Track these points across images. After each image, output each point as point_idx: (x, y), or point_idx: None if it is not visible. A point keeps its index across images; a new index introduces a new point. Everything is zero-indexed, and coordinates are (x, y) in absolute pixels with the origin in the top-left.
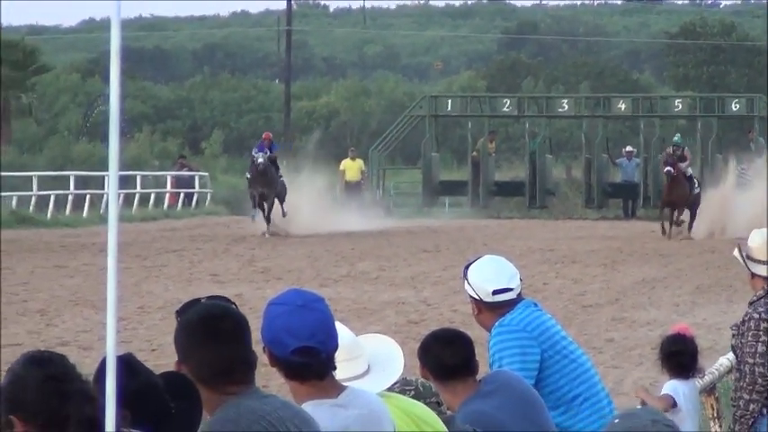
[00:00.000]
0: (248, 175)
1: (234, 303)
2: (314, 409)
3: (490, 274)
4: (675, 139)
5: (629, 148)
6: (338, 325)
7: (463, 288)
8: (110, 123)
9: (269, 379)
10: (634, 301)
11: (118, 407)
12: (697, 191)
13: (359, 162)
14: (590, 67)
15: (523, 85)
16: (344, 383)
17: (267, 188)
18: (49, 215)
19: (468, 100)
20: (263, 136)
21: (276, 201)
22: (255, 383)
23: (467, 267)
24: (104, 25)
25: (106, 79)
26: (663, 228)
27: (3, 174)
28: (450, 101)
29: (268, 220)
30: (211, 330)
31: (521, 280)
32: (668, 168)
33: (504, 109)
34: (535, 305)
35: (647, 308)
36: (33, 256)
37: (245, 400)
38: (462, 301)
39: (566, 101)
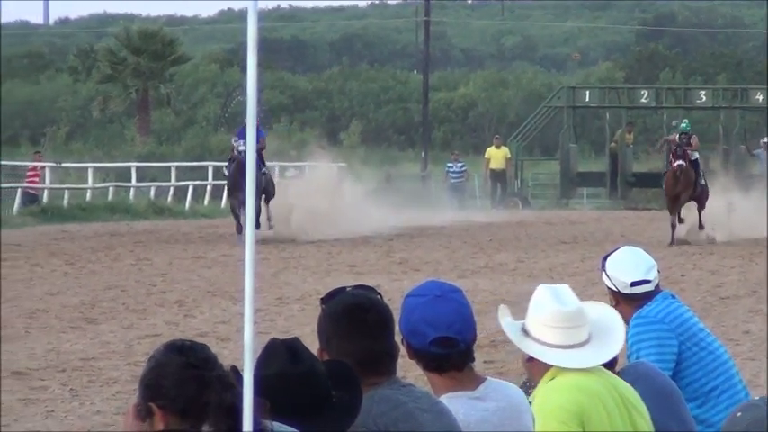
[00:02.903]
0: (225, 172)
1: (379, 294)
2: (451, 401)
3: (628, 266)
4: (683, 125)
5: (766, 140)
6: (565, 288)
7: (601, 280)
8: (247, 114)
9: (407, 370)
10: None
11: (255, 401)
12: (703, 183)
13: (504, 150)
14: (728, 58)
15: (661, 76)
16: (564, 350)
17: None
18: (187, 206)
19: (606, 91)
20: None
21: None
22: (396, 374)
23: (605, 259)
24: (242, 16)
25: (244, 70)
26: (673, 226)
27: (141, 164)
28: (588, 92)
29: (257, 224)
30: (356, 321)
31: (658, 271)
32: (680, 162)
33: (642, 100)
34: (673, 297)
35: None
36: (171, 246)
37: (383, 390)
38: (600, 293)
39: (703, 92)
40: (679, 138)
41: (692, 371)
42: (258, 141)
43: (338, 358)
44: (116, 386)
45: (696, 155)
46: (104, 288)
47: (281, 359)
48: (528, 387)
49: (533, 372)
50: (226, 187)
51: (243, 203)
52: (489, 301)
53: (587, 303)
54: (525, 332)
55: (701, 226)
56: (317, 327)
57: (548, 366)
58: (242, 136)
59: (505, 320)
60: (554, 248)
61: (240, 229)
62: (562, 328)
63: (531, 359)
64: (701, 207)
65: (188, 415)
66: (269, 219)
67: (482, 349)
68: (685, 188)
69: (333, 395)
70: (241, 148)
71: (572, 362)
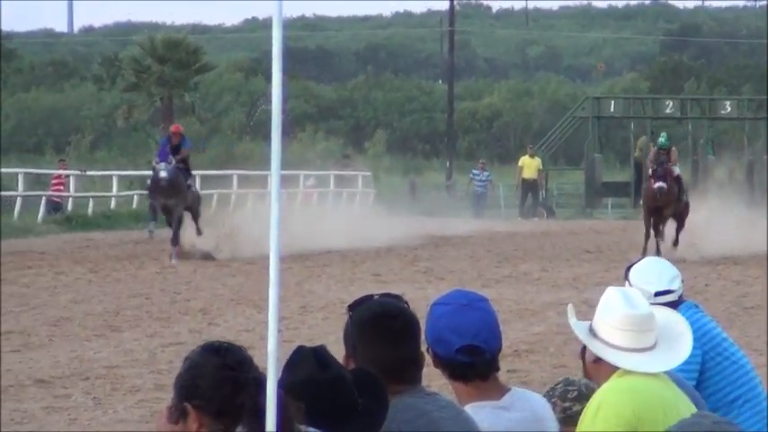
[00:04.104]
0: (148, 182)
1: (406, 302)
2: (476, 410)
3: (652, 276)
4: (661, 140)
5: None
6: (635, 292)
7: None
8: (272, 122)
9: (431, 379)
10: None
11: (278, 407)
12: (685, 199)
13: (537, 160)
14: (753, 69)
15: (686, 86)
16: (632, 354)
17: (173, 198)
18: (211, 214)
19: (630, 101)
20: (171, 129)
21: (191, 219)
22: (421, 383)
23: (628, 269)
24: (267, 24)
25: (269, 78)
26: (645, 249)
27: None
28: (612, 102)
29: (175, 239)
30: (383, 329)
31: (682, 281)
32: (660, 185)
33: (667, 110)
34: (696, 307)
35: None
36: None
37: (407, 398)
38: None
39: (728, 103)
40: (657, 154)
41: (716, 380)
42: (179, 152)
43: (364, 365)
44: (139, 394)
45: (677, 169)
46: (128, 296)
47: (309, 365)
48: (551, 396)
49: (600, 373)
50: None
51: (163, 208)
52: (513, 310)
53: (654, 308)
54: (593, 333)
55: (676, 242)
56: (344, 334)
57: (614, 368)
58: (163, 155)
59: (573, 321)
60: (578, 258)
61: (175, 241)
62: (632, 331)
63: (597, 360)
64: (680, 225)
65: (223, 416)
66: (198, 232)
67: (506, 359)
68: (668, 202)
69: (359, 402)
70: (162, 174)
71: (641, 366)
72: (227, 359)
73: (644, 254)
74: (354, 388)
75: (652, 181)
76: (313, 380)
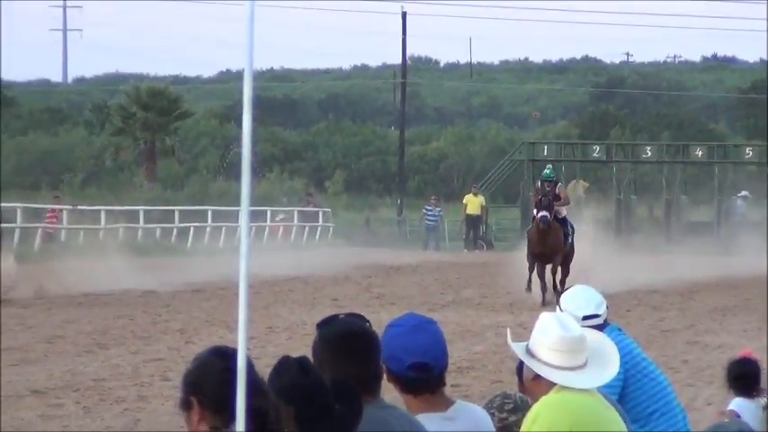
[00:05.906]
0: None
1: (368, 321)
2: (425, 421)
3: (580, 302)
4: (546, 171)
5: (743, 193)
6: (567, 316)
7: None
8: (242, 164)
9: (383, 393)
10: (707, 327)
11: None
12: (570, 240)
13: (480, 198)
14: (671, 118)
15: (612, 133)
16: (568, 372)
17: None
18: (188, 245)
19: (561, 146)
20: None
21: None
22: (380, 395)
23: (559, 295)
24: (240, 76)
25: (240, 124)
26: (529, 283)
27: (149, 208)
28: (546, 147)
29: None
30: (348, 346)
31: (607, 307)
32: (543, 214)
33: (595, 155)
34: (619, 330)
35: (719, 333)
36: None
37: (370, 410)
38: None
39: (649, 148)
40: (541, 185)
41: (636, 395)
42: None
43: (329, 379)
44: (124, 404)
45: (564, 211)
46: (114, 317)
47: (293, 372)
48: (489, 408)
49: (538, 389)
50: None
51: None
52: (456, 332)
53: (585, 330)
54: (530, 353)
55: (562, 287)
56: (312, 351)
57: (551, 385)
58: None
59: (511, 342)
60: (514, 286)
61: None
62: (565, 351)
63: (536, 378)
64: (565, 272)
65: (221, 413)
66: None
67: (450, 374)
68: (554, 246)
69: (335, 407)
70: None
71: (575, 382)
72: (232, 363)
73: (528, 286)
74: (331, 393)
75: (535, 212)
76: (297, 384)
